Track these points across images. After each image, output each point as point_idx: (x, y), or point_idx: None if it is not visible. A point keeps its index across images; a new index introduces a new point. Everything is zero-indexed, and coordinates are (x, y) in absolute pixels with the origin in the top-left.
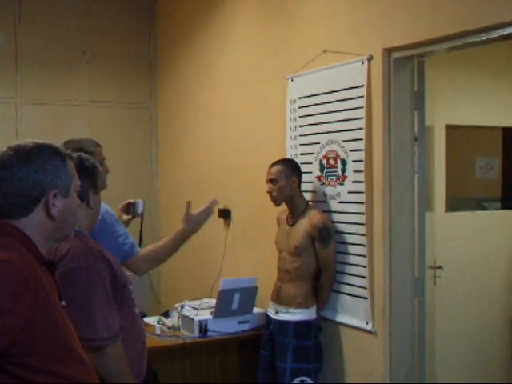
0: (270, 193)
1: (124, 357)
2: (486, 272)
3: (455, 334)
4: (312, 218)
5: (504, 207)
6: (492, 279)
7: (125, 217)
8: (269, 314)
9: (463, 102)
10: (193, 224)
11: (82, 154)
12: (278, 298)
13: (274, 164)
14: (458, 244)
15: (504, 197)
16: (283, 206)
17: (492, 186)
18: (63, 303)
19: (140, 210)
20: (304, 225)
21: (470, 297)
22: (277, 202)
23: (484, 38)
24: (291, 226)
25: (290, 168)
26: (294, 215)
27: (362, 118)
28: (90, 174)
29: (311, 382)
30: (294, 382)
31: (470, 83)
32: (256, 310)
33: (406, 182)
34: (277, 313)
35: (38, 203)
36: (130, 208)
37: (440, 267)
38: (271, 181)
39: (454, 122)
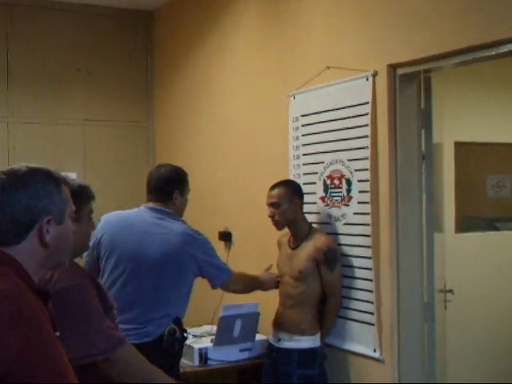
0: (271, 217)
1: (138, 355)
2: (499, 295)
3: (468, 361)
4: (317, 240)
5: None
6: (506, 303)
7: None
8: (271, 341)
9: (472, 119)
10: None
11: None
12: (281, 325)
13: (274, 186)
14: (469, 266)
15: None
16: (285, 229)
17: (505, 204)
18: (57, 334)
19: None
20: (308, 248)
21: (482, 322)
22: (279, 226)
23: (493, 53)
24: (294, 249)
25: (292, 190)
26: (297, 238)
27: (367, 136)
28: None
29: None
30: None
31: (478, 99)
32: (258, 336)
33: (413, 202)
34: (279, 340)
35: (31, 230)
36: None
37: (451, 291)
38: (272, 204)
39: (463, 139)
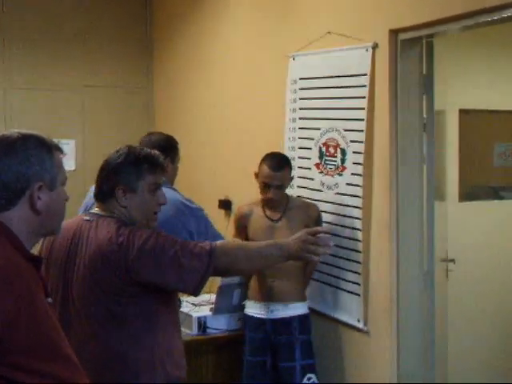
0: (271, 199)
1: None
2: (502, 265)
3: (469, 332)
4: (306, 208)
5: None
6: (509, 273)
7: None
8: (258, 315)
9: (478, 86)
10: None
11: (145, 149)
12: (271, 297)
13: (278, 168)
14: (472, 235)
15: None
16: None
17: (511, 173)
18: (49, 300)
19: None
20: (298, 217)
21: (485, 292)
22: (275, 206)
23: (497, 18)
24: (276, 221)
25: (291, 168)
26: (277, 209)
27: (363, 108)
28: (147, 171)
29: (316, 380)
30: (304, 381)
31: (485, 65)
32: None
33: (413, 171)
34: (272, 312)
35: (22, 196)
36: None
37: (452, 260)
38: (277, 187)
39: (468, 107)
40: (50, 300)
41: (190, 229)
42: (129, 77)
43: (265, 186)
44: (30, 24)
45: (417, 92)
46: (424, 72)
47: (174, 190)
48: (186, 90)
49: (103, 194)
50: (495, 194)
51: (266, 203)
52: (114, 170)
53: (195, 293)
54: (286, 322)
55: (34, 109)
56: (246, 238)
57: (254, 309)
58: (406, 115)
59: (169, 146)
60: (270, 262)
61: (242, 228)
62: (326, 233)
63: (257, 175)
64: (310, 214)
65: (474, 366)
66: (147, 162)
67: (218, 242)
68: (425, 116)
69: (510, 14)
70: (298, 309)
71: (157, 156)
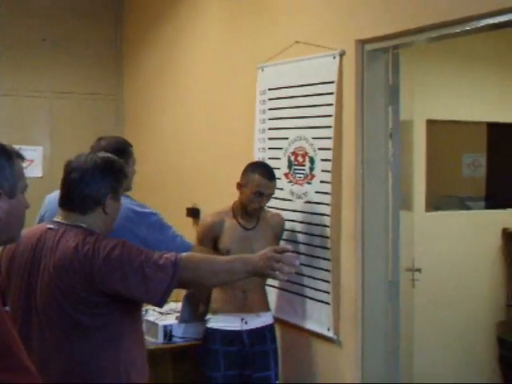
0: (258, 208)
1: (200, 258)
2: (468, 275)
3: (435, 341)
4: (273, 216)
5: (488, 207)
6: (475, 282)
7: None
8: (231, 328)
9: (446, 97)
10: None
11: (111, 156)
12: (245, 307)
13: (272, 176)
14: (438, 245)
15: (488, 196)
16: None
17: (479, 184)
18: (7, 309)
19: None
20: (269, 226)
21: (451, 301)
22: (255, 214)
23: (462, 30)
24: (251, 229)
25: None
26: (252, 218)
27: (331, 115)
28: (113, 179)
29: None
30: None
31: (452, 76)
32: None
33: (379, 181)
34: (246, 323)
35: None
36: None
37: (419, 270)
38: (270, 196)
39: (435, 117)
40: (7, 309)
41: (142, 236)
42: (98, 84)
43: (258, 195)
44: None
45: (382, 102)
46: (390, 82)
47: (127, 196)
48: (155, 98)
49: (78, 203)
50: (462, 204)
51: (252, 212)
52: (97, 177)
53: (160, 304)
54: (260, 332)
55: (1, 114)
56: (215, 249)
57: (225, 322)
58: (372, 125)
59: (121, 150)
60: (234, 277)
61: (209, 239)
62: (292, 251)
63: (240, 185)
64: (278, 223)
65: (440, 373)
66: (121, 168)
67: (184, 254)
68: (391, 126)
69: (475, 26)
70: (267, 318)
71: (121, 161)
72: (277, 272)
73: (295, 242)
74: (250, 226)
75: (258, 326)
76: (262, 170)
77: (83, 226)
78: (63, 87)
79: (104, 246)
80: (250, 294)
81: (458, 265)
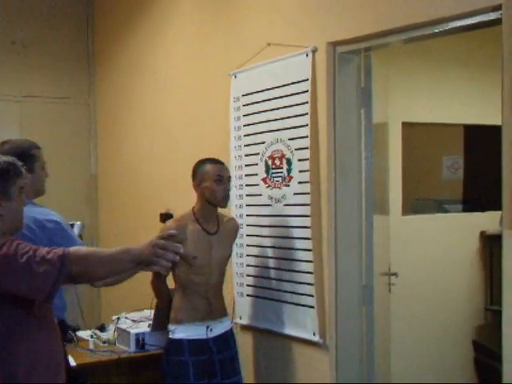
0: (224, 196)
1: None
2: (446, 278)
3: (412, 345)
4: (231, 221)
5: (466, 210)
6: (453, 286)
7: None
8: (198, 337)
9: (422, 99)
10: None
11: None
12: (209, 315)
13: (221, 162)
14: (415, 249)
15: (466, 199)
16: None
17: (456, 186)
18: None
19: (77, 232)
20: (229, 230)
21: (429, 305)
22: (225, 204)
23: (434, 31)
24: (214, 234)
25: None
26: (216, 221)
27: (306, 114)
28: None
29: None
30: None
31: (428, 78)
32: None
33: (352, 184)
34: (211, 330)
35: None
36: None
37: (395, 274)
38: (229, 179)
39: (411, 119)
40: None
41: (43, 244)
42: (69, 87)
43: (219, 182)
44: None
45: (355, 104)
46: (362, 85)
47: (31, 202)
48: (128, 102)
49: None
50: (439, 207)
51: (221, 203)
52: None
53: (48, 300)
54: (224, 337)
55: None
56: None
57: (190, 332)
58: (344, 128)
59: (24, 153)
60: (121, 266)
61: None
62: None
63: (198, 185)
64: (234, 228)
65: (417, 376)
66: (12, 166)
67: (72, 248)
68: (363, 129)
69: (448, 28)
70: (228, 322)
71: (15, 160)
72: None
73: (276, 247)
74: (213, 231)
75: (221, 331)
76: (210, 160)
77: None
78: (33, 91)
79: None
80: (213, 300)
81: (436, 269)
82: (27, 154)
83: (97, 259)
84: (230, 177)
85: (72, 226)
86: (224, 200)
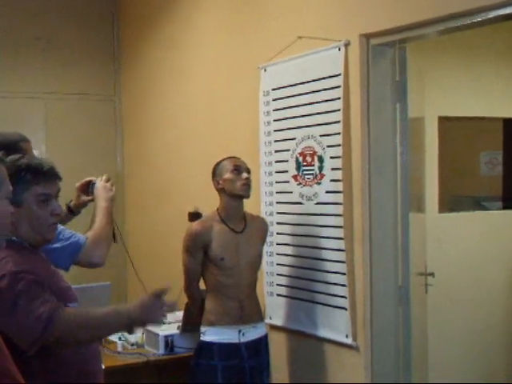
0: (243, 184)
1: (76, 315)
2: (485, 278)
3: (450, 348)
4: (259, 220)
5: (505, 207)
6: (492, 286)
7: (84, 197)
8: (229, 341)
9: (458, 92)
10: (105, 195)
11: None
12: (242, 318)
13: (237, 157)
14: (453, 248)
15: (505, 196)
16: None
17: (496, 183)
18: None
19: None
20: (257, 228)
21: (467, 306)
22: (247, 193)
23: (472, 21)
24: (240, 232)
25: None
26: (242, 219)
27: (339, 110)
28: None
29: None
30: None
31: (466, 70)
32: None
33: (387, 181)
34: (243, 335)
35: None
36: (89, 188)
37: (432, 274)
38: (248, 171)
39: (447, 114)
40: None
41: None
42: (95, 85)
43: (237, 172)
44: None
45: (389, 99)
46: (397, 78)
47: None
48: (154, 99)
49: None
50: (477, 204)
51: (243, 193)
52: None
53: (28, 352)
54: (256, 344)
55: None
56: (206, 257)
57: (222, 335)
58: (379, 123)
59: (10, 146)
60: (108, 332)
61: (199, 247)
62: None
63: (218, 183)
64: (262, 226)
65: (455, 380)
66: (30, 171)
67: (66, 310)
68: (399, 124)
69: (486, 18)
70: (263, 329)
71: (42, 164)
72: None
73: (307, 246)
74: (240, 229)
75: (254, 337)
76: (224, 158)
77: None
78: (58, 88)
79: None
80: (245, 303)
81: (474, 268)
82: (14, 147)
83: (85, 324)
84: (248, 168)
85: (94, 184)
86: (244, 189)
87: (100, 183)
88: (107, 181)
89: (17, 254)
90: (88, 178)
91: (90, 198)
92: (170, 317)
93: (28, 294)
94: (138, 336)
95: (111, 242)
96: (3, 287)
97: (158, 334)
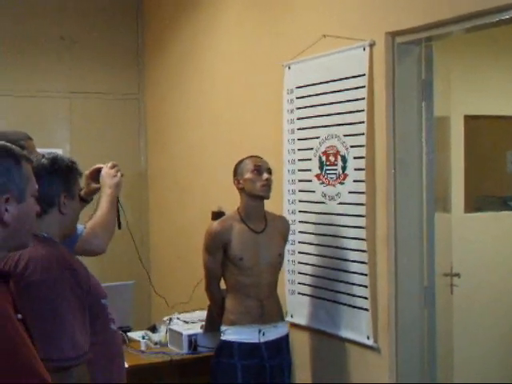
0: (268, 181)
1: (88, 378)
2: (510, 280)
3: (476, 349)
4: (280, 219)
5: None
6: None
7: (93, 185)
8: (249, 341)
9: (484, 91)
10: (109, 181)
11: (56, 153)
12: (263, 318)
13: (259, 156)
14: (478, 248)
15: None
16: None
17: None
18: (19, 316)
19: None
20: (278, 227)
21: (493, 308)
22: (267, 194)
23: (500, 19)
24: (260, 232)
25: None
26: (263, 219)
27: (363, 110)
28: (63, 176)
29: None
30: None
31: (493, 69)
32: None
33: (412, 180)
34: (264, 334)
35: None
36: (98, 175)
37: (457, 275)
38: (269, 171)
39: (474, 112)
40: (19, 316)
41: None
42: (119, 84)
43: (257, 172)
44: (11, 28)
45: (415, 98)
46: (423, 77)
47: None
48: (178, 98)
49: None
50: (503, 204)
51: (263, 193)
52: (45, 177)
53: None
54: (277, 343)
55: (16, 116)
56: (226, 256)
57: (242, 334)
58: (405, 122)
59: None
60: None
61: (218, 247)
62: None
63: (238, 182)
64: (284, 226)
65: (481, 380)
66: (75, 165)
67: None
68: (424, 123)
69: None
70: (284, 328)
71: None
72: None
73: (329, 246)
74: (260, 229)
75: (275, 337)
76: (246, 157)
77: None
78: (83, 87)
79: (30, 273)
80: (265, 303)
81: (501, 269)
82: (16, 145)
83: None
84: (269, 168)
85: None
86: (265, 189)
87: (105, 170)
88: (112, 167)
89: (56, 250)
90: (96, 166)
91: (98, 185)
92: (193, 316)
93: (69, 312)
94: (161, 335)
95: (113, 228)
96: (42, 295)
97: (181, 334)
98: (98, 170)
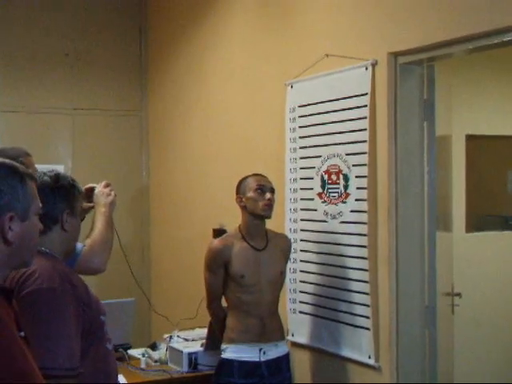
0: (270, 202)
1: None
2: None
3: (477, 369)
4: (280, 236)
5: None
6: None
7: (86, 204)
8: (249, 359)
9: (486, 110)
10: (103, 200)
11: (58, 170)
12: (263, 336)
13: (263, 175)
14: (479, 268)
15: None
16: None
17: None
18: (22, 334)
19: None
20: (279, 245)
21: (494, 328)
22: (269, 213)
23: (498, 41)
24: (261, 250)
25: None
26: (264, 237)
27: (365, 129)
28: (66, 193)
29: None
30: None
31: (494, 89)
32: None
33: (414, 200)
34: (264, 353)
35: None
36: (91, 194)
37: (459, 294)
38: (272, 190)
39: (475, 132)
40: (22, 334)
41: None
42: (121, 100)
43: (260, 191)
44: (15, 44)
45: (417, 117)
46: (425, 97)
47: None
48: (180, 115)
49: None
50: (505, 223)
51: (265, 213)
52: (49, 194)
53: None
54: (277, 362)
55: (20, 133)
56: (227, 274)
57: (242, 353)
58: (406, 141)
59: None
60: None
61: (219, 264)
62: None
63: (240, 200)
64: (285, 245)
65: None
66: (72, 182)
67: None
68: (426, 142)
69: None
70: (284, 347)
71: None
72: None
73: (331, 265)
74: (261, 247)
75: (275, 356)
76: (250, 175)
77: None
78: (86, 103)
79: (32, 281)
80: (266, 321)
81: (502, 289)
82: (16, 162)
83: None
84: (272, 188)
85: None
86: (266, 209)
87: (98, 189)
88: (106, 186)
89: (58, 264)
90: (89, 185)
91: (91, 204)
92: (193, 334)
93: (69, 323)
94: (161, 353)
95: (111, 246)
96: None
97: (181, 351)
98: (92, 189)
